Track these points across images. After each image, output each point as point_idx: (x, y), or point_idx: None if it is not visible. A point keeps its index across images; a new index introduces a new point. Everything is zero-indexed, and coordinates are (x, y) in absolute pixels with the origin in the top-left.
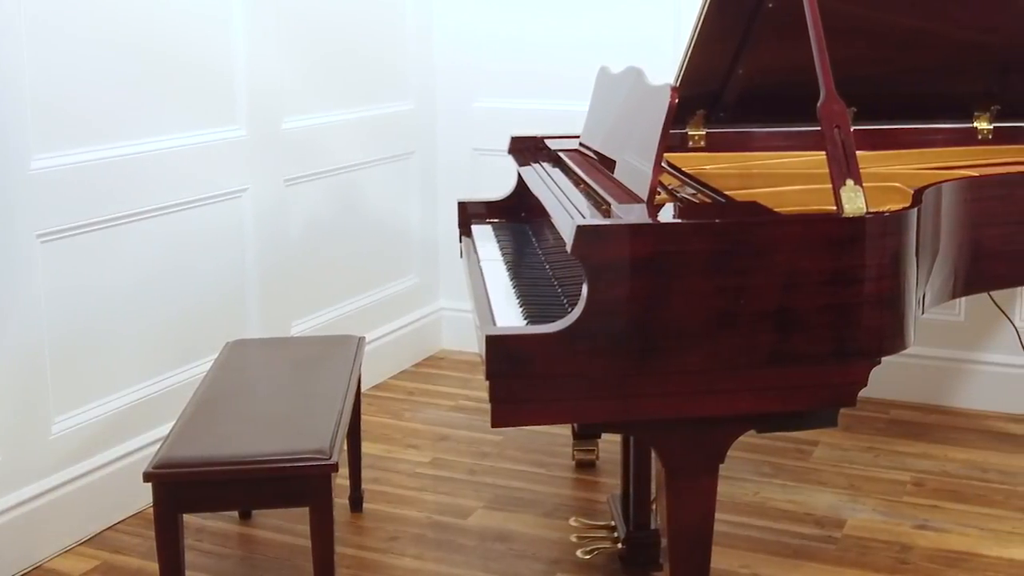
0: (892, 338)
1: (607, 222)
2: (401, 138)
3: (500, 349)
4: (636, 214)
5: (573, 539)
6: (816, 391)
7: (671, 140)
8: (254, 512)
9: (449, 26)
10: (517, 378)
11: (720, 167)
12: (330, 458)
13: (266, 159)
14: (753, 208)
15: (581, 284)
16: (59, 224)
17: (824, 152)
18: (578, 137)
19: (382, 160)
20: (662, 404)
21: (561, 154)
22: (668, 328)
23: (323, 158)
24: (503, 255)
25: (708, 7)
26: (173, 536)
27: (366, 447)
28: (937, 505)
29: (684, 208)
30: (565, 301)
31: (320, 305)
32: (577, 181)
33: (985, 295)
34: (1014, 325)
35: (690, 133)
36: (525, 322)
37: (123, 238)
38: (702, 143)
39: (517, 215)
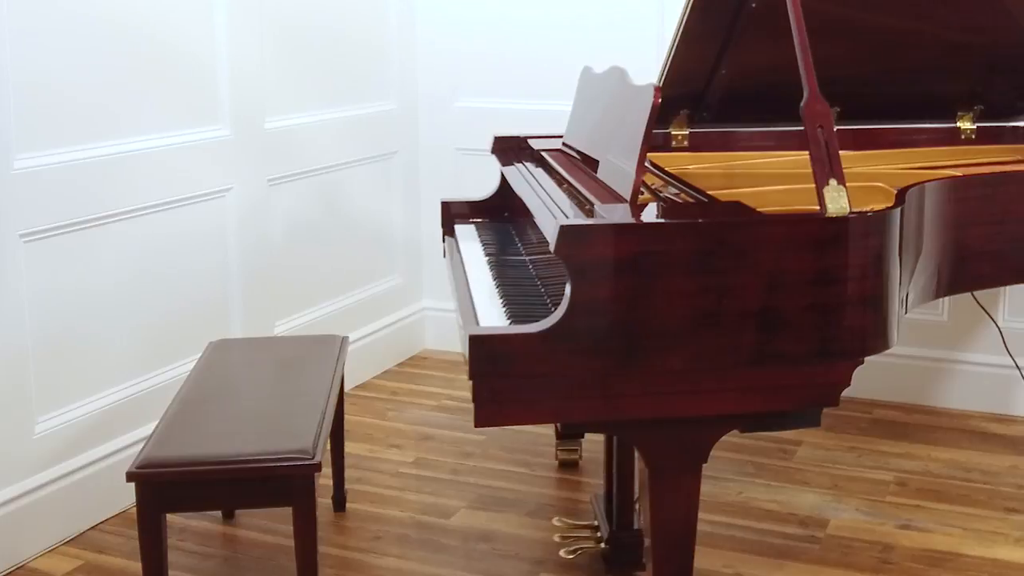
0: (875, 338)
1: (590, 222)
2: (384, 138)
3: (483, 349)
4: (619, 214)
5: (556, 539)
6: (799, 391)
7: (654, 140)
8: (237, 512)
9: (431, 26)
10: (500, 378)
11: (703, 167)
12: (313, 458)
13: (249, 159)
14: (736, 208)
15: (564, 284)
16: (42, 224)
17: (807, 152)
18: (561, 137)
19: (365, 160)
20: (645, 404)
21: (544, 154)
22: (651, 328)
23: (306, 158)
24: (486, 255)
25: (691, 7)
26: (156, 536)
27: (349, 447)
28: (920, 505)
29: (667, 208)
30: (548, 301)
31: (303, 305)
32: (560, 181)
33: (968, 295)
34: (997, 325)
35: (673, 133)
36: (508, 322)
37: (106, 238)
38: (685, 143)
39: (500, 215)
